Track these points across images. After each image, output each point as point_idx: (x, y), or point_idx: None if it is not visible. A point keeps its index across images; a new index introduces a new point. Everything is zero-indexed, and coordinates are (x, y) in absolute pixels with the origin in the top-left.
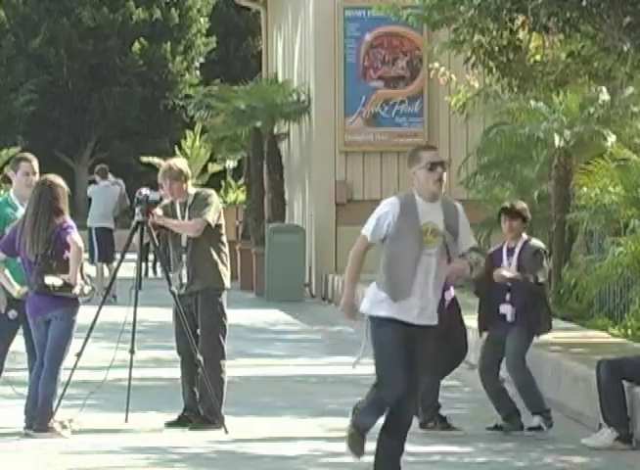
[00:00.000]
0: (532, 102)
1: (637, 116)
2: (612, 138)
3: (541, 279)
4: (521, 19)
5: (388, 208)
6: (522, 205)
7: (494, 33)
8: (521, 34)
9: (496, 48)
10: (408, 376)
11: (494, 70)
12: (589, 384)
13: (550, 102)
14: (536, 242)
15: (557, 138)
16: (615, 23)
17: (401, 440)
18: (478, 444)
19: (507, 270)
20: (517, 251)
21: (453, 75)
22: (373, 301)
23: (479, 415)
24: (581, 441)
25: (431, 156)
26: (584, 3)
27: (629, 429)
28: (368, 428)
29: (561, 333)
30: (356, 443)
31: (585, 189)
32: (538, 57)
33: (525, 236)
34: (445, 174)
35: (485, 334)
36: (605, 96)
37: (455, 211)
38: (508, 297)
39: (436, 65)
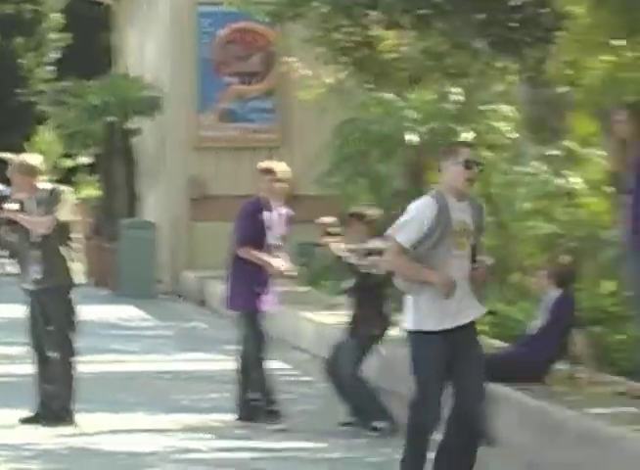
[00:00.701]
0: (386, 96)
1: (491, 113)
2: (466, 134)
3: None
4: (374, 15)
5: (426, 210)
6: (371, 211)
7: (348, 30)
8: (374, 31)
9: (350, 44)
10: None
11: (348, 66)
12: None
13: (405, 98)
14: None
15: (409, 135)
16: (467, 20)
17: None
18: (331, 439)
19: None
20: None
21: (307, 71)
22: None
23: (334, 411)
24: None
25: (469, 153)
26: (437, 0)
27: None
28: None
29: None
30: None
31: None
32: (392, 54)
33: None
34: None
35: None
36: (458, 93)
37: (481, 210)
38: None
39: (290, 60)
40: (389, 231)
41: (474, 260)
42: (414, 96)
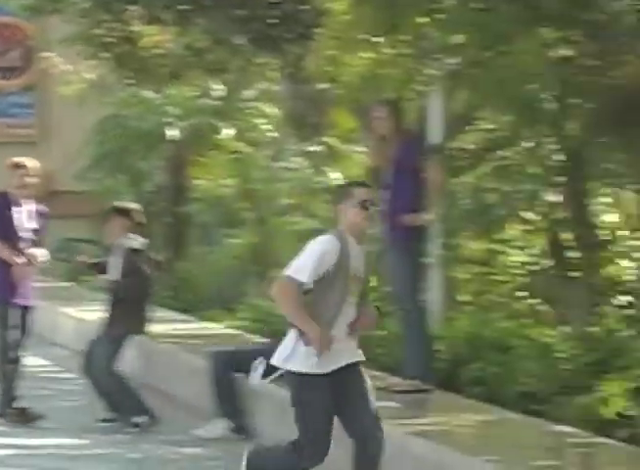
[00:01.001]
0: (146, 92)
1: (252, 110)
2: (226, 131)
3: (115, 278)
4: (135, 11)
5: (328, 246)
6: (133, 205)
7: (109, 25)
8: (135, 27)
9: (111, 40)
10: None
11: (109, 61)
12: (203, 375)
13: (166, 94)
14: (130, 241)
15: (170, 131)
16: (227, 16)
17: None
18: (92, 435)
19: None
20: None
21: (67, 66)
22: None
23: (95, 407)
24: (194, 432)
25: (365, 193)
26: None
27: (242, 420)
28: None
29: (177, 325)
30: None
31: (200, 181)
32: (153, 49)
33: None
34: None
35: None
36: (220, 89)
37: (367, 256)
38: None
39: (50, 55)
40: (286, 269)
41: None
42: (175, 92)
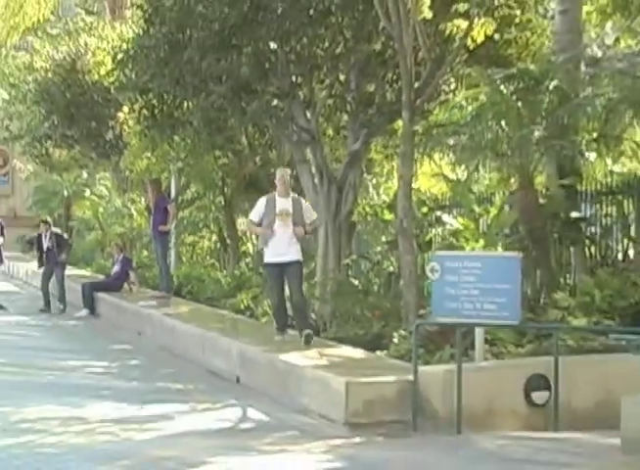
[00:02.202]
0: (54, 177)
1: (98, 183)
2: (88, 192)
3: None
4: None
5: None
6: (48, 219)
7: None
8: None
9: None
10: None
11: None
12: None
13: (62, 177)
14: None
15: (64, 191)
16: (89, 145)
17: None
18: (35, 315)
19: None
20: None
21: (20, 164)
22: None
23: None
24: (75, 315)
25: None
26: None
27: (94, 310)
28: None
29: (71, 271)
30: None
31: (77, 212)
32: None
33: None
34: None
35: None
36: (85, 174)
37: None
38: None
39: (14, 160)
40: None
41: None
42: (65, 175)
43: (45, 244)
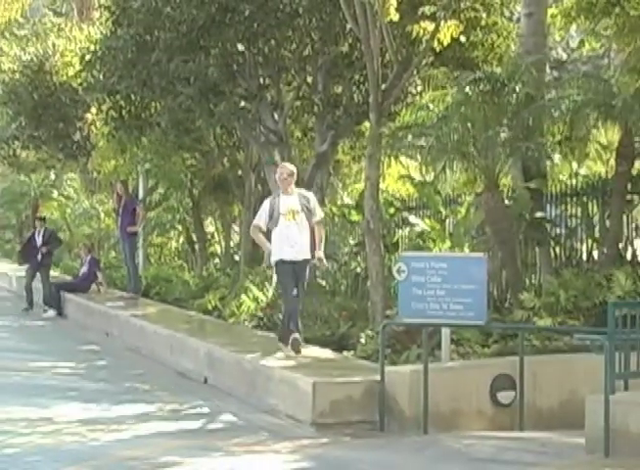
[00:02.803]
0: (21, 177)
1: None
2: (55, 193)
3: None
4: None
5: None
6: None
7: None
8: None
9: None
10: None
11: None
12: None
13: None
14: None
15: (32, 193)
16: (55, 146)
17: None
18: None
19: None
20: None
21: None
22: None
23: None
24: (43, 315)
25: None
26: None
27: (61, 310)
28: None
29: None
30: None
31: (43, 213)
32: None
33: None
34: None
35: None
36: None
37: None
38: None
39: None
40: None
41: None
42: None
43: (38, 241)
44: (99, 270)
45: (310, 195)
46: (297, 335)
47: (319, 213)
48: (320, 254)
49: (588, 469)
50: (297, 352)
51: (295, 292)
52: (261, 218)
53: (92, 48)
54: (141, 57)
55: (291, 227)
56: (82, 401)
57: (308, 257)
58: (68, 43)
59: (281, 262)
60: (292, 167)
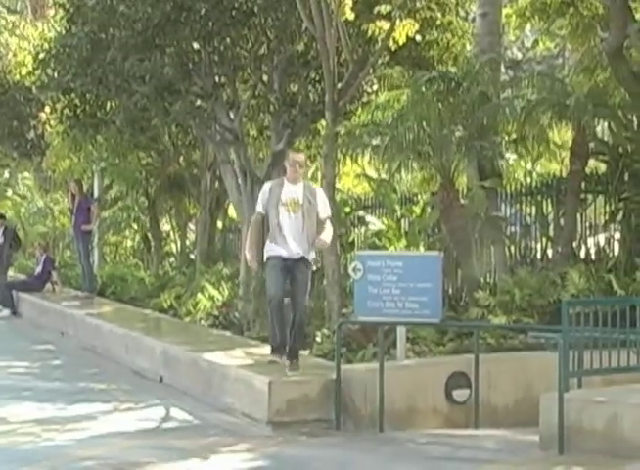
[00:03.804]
0: None
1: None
2: (10, 192)
3: None
4: None
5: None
6: None
7: None
8: None
9: None
10: None
11: None
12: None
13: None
14: None
15: None
16: (10, 144)
17: None
18: None
19: None
20: None
21: None
22: None
23: None
24: None
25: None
26: None
27: (15, 309)
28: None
29: None
30: None
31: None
32: None
33: None
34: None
35: None
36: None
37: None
38: None
39: None
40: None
41: None
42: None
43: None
44: (53, 269)
45: (319, 190)
46: (295, 359)
47: (325, 211)
48: (313, 247)
49: (542, 466)
50: (293, 368)
51: (283, 296)
52: (261, 205)
53: (46, 46)
54: (96, 55)
55: (290, 220)
56: (37, 401)
57: (308, 256)
58: (22, 41)
59: (270, 258)
60: (304, 157)
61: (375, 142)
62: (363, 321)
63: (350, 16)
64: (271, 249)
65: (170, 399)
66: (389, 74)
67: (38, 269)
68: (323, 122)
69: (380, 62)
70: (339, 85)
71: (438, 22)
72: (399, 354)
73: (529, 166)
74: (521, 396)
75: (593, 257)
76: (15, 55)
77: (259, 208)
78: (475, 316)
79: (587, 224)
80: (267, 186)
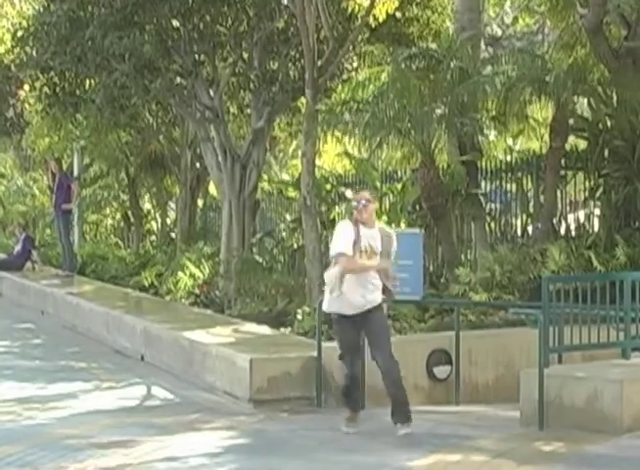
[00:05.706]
0: None
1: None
2: None
3: None
4: None
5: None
6: None
7: None
8: None
9: None
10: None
11: None
12: None
13: None
14: None
15: None
16: None
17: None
18: None
19: None
20: None
21: None
22: None
23: None
24: None
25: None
26: None
27: None
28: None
29: None
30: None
31: None
32: None
33: None
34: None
35: None
36: None
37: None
38: None
39: None
40: None
41: None
42: None
43: None
44: (33, 248)
45: (393, 235)
46: (406, 429)
47: (394, 243)
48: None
49: (523, 442)
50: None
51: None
52: (347, 245)
53: (25, 24)
54: (75, 33)
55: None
56: (17, 380)
57: (378, 302)
58: (0, 19)
59: (341, 318)
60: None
61: (355, 119)
62: None
63: None
64: (336, 305)
65: (151, 377)
66: (370, 51)
67: (18, 248)
68: (303, 100)
69: (360, 39)
70: (319, 62)
71: None
72: None
73: (510, 143)
74: (501, 372)
75: (573, 233)
76: None
77: (348, 249)
78: (456, 293)
79: (567, 201)
80: (349, 228)
